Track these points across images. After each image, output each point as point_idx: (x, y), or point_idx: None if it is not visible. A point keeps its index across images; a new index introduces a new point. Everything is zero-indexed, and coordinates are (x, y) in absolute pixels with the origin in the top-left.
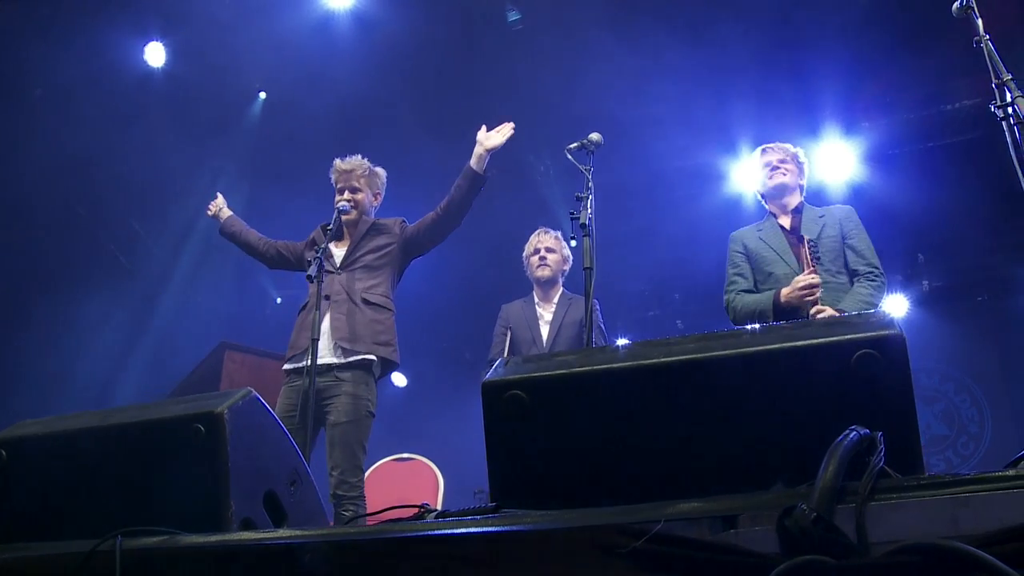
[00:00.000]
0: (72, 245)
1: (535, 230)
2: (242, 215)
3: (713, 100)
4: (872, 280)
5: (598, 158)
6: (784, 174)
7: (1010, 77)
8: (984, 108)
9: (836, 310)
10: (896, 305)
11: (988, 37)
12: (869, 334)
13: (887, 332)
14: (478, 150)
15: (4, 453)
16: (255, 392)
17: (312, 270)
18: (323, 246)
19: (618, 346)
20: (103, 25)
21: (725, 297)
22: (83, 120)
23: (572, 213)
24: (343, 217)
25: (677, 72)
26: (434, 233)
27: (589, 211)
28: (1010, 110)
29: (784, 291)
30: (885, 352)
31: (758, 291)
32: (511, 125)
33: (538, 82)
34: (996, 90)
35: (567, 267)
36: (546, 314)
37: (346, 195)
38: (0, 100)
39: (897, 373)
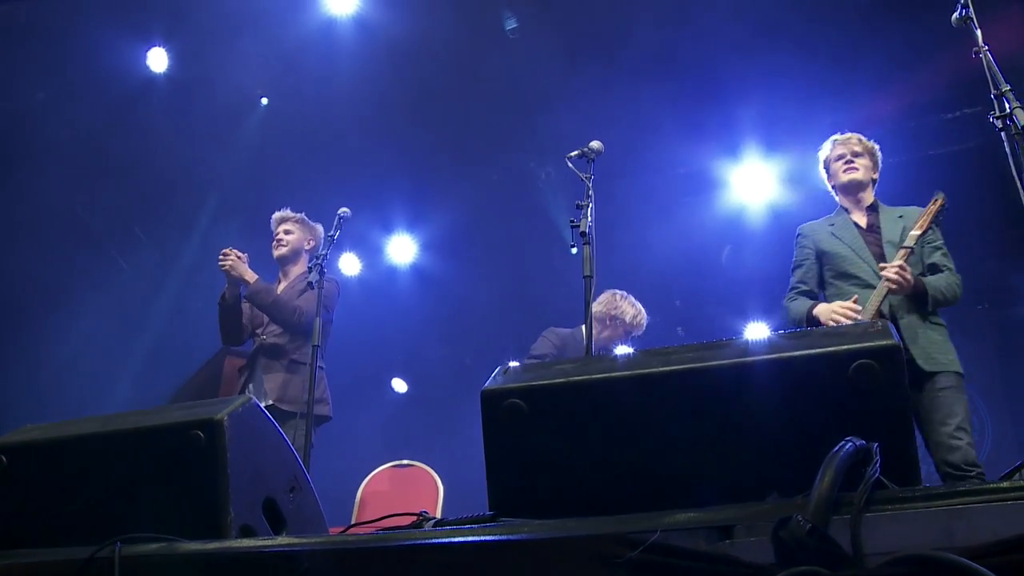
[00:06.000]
0: (72, 248)
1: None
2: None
3: (717, 107)
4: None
5: (599, 166)
6: (857, 169)
7: (1008, 88)
8: (984, 117)
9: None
10: None
11: (987, 48)
12: (866, 344)
13: (884, 343)
14: None
15: (4, 459)
16: (255, 399)
17: (313, 277)
18: (323, 252)
19: (617, 355)
20: (106, 30)
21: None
22: (84, 124)
23: (572, 221)
24: (276, 253)
25: (679, 79)
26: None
27: (589, 219)
28: (1009, 120)
29: (823, 309)
30: (882, 362)
31: (835, 289)
32: None
33: (540, 88)
34: (995, 100)
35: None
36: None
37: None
38: (1, 103)
39: (894, 384)
